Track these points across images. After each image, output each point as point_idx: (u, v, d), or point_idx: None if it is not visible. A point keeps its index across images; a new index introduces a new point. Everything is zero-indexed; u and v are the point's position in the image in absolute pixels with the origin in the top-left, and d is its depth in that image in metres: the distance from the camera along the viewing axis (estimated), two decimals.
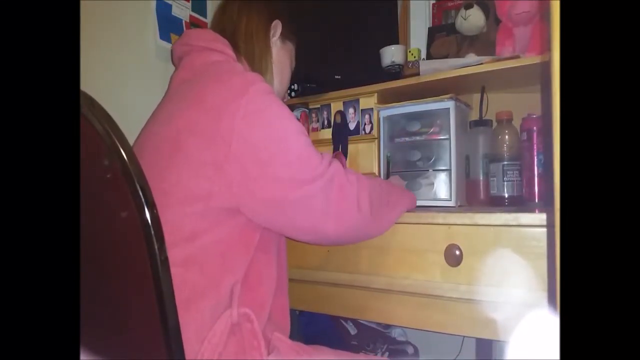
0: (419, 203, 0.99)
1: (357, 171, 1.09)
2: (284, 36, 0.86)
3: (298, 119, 1.17)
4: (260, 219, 0.66)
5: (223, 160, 0.61)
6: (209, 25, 1.11)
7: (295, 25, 0.89)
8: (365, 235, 0.78)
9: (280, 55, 0.86)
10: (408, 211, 0.82)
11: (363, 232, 0.75)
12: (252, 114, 0.62)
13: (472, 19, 1.04)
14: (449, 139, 0.96)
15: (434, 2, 1.26)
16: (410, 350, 1.35)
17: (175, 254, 0.58)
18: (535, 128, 0.95)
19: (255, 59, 0.80)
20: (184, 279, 0.60)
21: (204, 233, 0.63)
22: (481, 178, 1.03)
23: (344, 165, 1.10)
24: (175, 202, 0.62)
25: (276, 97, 0.67)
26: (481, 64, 0.94)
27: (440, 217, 0.77)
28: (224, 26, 0.83)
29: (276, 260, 0.73)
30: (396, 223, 0.81)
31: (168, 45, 1.10)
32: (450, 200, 0.96)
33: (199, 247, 0.63)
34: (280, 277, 0.75)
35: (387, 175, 1.07)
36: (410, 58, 1.15)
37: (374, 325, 1.38)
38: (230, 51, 0.77)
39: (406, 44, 1.26)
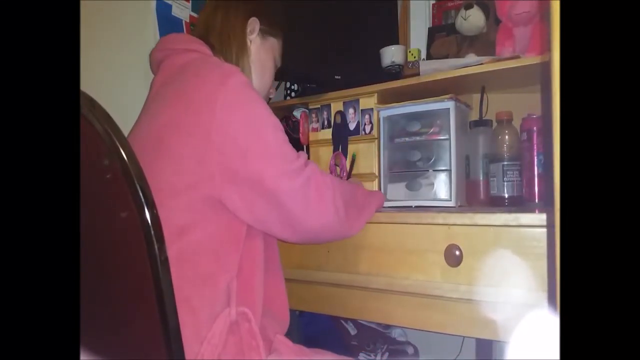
0: (419, 203, 0.99)
1: (357, 171, 1.10)
2: (264, 32, 0.85)
3: (298, 119, 1.17)
4: (240, 212, 0.66)
5: (204, 152, 0.62)
6: None
7: (279, 20, 0.88)
8: (340, 235, 0.79)
9: (261, 53, 0.85)
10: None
11: (338, 232, 0.77)
12: (230, 104, 0.63)
13: (472, 19, 1.04)
14: (449, 139, 0.96)
15: (434, 2, 1.27)
16: (410, 350, 1.35)
17: (167, 252, 0.58)
18: (535, 128, 0.95)
19: (233, 57, 0.80)
20: (179, 277, 0.60)
21: (192, 228, 0.63)
22: (481, 178, 1.03)
23: (343, 166, 1.10)
24: (160, 199, 0.62)
25: (254, 90, 0.68)
26: (481, 64, 0.94)
27: (440, 217, 0.77)
28: (201, 27, 0.83)
29: (263, 243, 0.72)
30: (396, 223, 0.81)
31: None
32: (450, 201, 0.96)
33: (190, 243, 0.63)
34: (270, 258, 0.75)
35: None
36: (410, 58, 1.15)
37: (374, 326, 1.38)
38: (206, 49, 0.76)
39: (406, 44, 1.26)
